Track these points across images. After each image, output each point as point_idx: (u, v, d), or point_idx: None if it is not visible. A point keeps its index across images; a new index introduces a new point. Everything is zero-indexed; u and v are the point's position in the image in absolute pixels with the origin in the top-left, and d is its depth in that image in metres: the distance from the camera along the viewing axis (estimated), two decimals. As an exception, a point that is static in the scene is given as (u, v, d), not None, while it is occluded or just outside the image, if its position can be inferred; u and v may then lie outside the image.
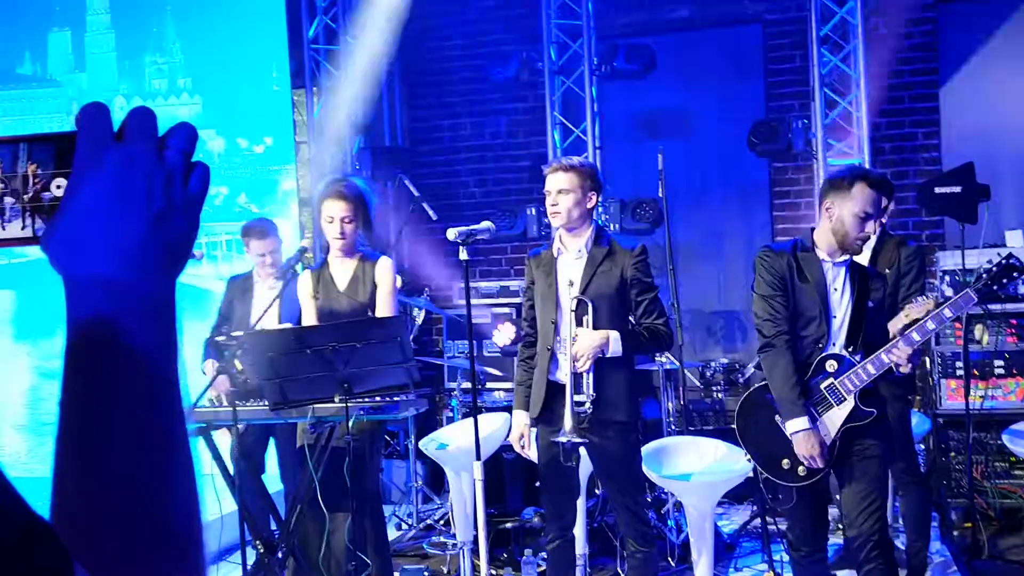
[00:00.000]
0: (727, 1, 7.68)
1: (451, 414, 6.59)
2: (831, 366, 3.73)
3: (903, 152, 7.40)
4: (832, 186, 3.78)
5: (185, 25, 7.68)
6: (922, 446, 5.83)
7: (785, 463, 3.80)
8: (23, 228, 0.82)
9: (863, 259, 4.67)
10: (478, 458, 3.91)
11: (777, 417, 3.81)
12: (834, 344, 3.76)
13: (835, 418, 3.73)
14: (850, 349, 3.73)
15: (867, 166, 6.81)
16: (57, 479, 0.72)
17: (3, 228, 0.82)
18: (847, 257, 3.81)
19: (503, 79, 7.37)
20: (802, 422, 3.68)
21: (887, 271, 4.58)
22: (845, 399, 3.71)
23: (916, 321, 3.77)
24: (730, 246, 7.79)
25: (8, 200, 0.82)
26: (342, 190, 4.33)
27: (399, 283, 7.33)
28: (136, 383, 0.75)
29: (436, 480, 6.87)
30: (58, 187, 0.80)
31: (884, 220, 4.83)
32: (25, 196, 0.82)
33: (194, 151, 0.84)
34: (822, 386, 3.75)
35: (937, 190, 5.96)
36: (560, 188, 3.99)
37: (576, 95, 7.27)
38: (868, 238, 3.79)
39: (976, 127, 7.19)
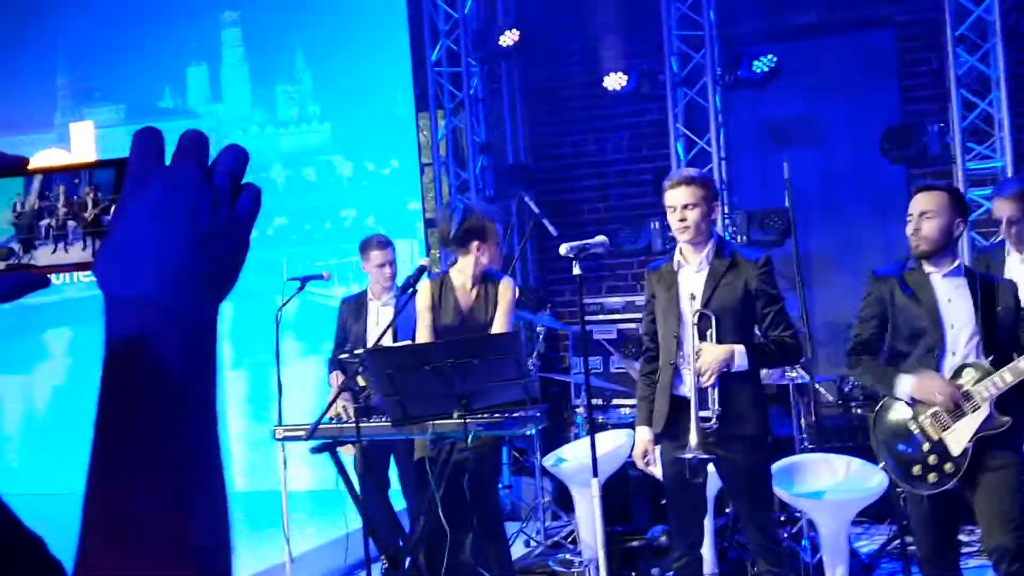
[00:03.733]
0: (856, 4, 7.44)
1: (577, 431, 6.55)
2: (968, 374, 3.65)
3: (1051, 153, 7.00)
4: None
5: (314, 55, 7.93)
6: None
7: (916, 469, 3.72)
8: (83, 250, 0.84)
9: (1022, 269, 4.48)
10: (595, 475, 3.85)
11: (912, 422, 3.73)
12: (954, 353, 3.69)
13: (969, 426, 3.63)
14: (991, 358, 3.63)
15: (1010, 169, 6.48)
16: (87, 498, 0.72)
17: (67, 251, 0.84)
18: (956, 265, 3.75)
19: (624, 92, 7.33)
20: (905, 379, 3.70)
21: None
22: (980, 407, 3.60)
23: None
24: (866, 256, 7.49)
25: (71, 224, 0.84)
26: (446, 236, 4.44)
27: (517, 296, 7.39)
28: (170, 405, 0.74)
29: (564, 497, 6.83)
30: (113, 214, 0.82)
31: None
32: (86, 219, 0.83)
33: (243, 173, 0.83)
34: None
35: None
36: (686, 203, 3.91)
37: (699, 106, 7.16)
38: (924, 237, 3.74)
39: None
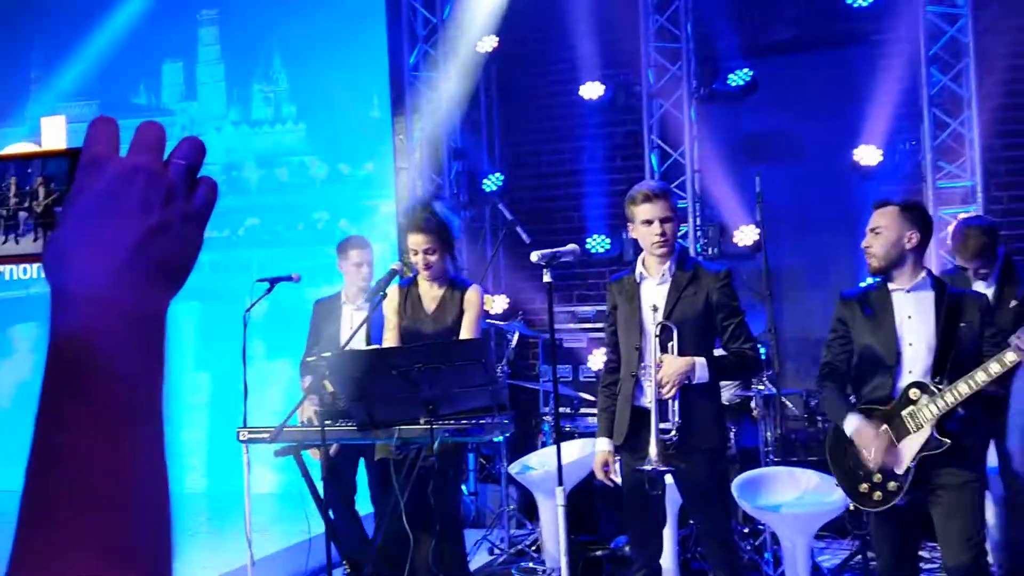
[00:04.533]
0: (832, 21, 7.49)
1: (545, 439, 6.54)
2: (914, 394, 3.67)
3: (1018, 175, 7.07)
4: None
5: (290, 55, 7.90)
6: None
7: (863, 487, 3.76)
8: (34, 241, 0.82)
9: (989, 292, 4.53)
10: (560, 483, 3.85)
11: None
12: (911, 372, 3.70)
13: (911, 445, 3.66)
14: (937, 379, 3.64)
15: (979, 188, 6.55)
16: (26, 493, 0.71)
17: (17, 242, 0.82)
18: (921, 278, 3.75)
19: (600, 102, 7.35)
20: (852, 420, 3.74)
21: (1013, 302, 4.43)
22: (923, 427, 3.62)
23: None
24: (836, 272, 7.55)
25: (22, 215, 0.82)
26: (420, 224, 4.37)
27: (505, 303, 7.35)
28: (115, 401, 0.72)
29: (530, 505, 6.82)
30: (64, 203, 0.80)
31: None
32: (37, 210, 0.82)
33: (200, 166, 0.82)
34: (903, 413, 3.68)
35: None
36: (664, 216, 3.90)
37: (674, 118, 7.19)
38: (873, 254, 3.78)
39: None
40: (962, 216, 5.47)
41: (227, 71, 8.07)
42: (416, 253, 4.40)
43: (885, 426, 3.68)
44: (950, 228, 5.32)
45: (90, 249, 0.74)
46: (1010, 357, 3.47)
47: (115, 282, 0.74)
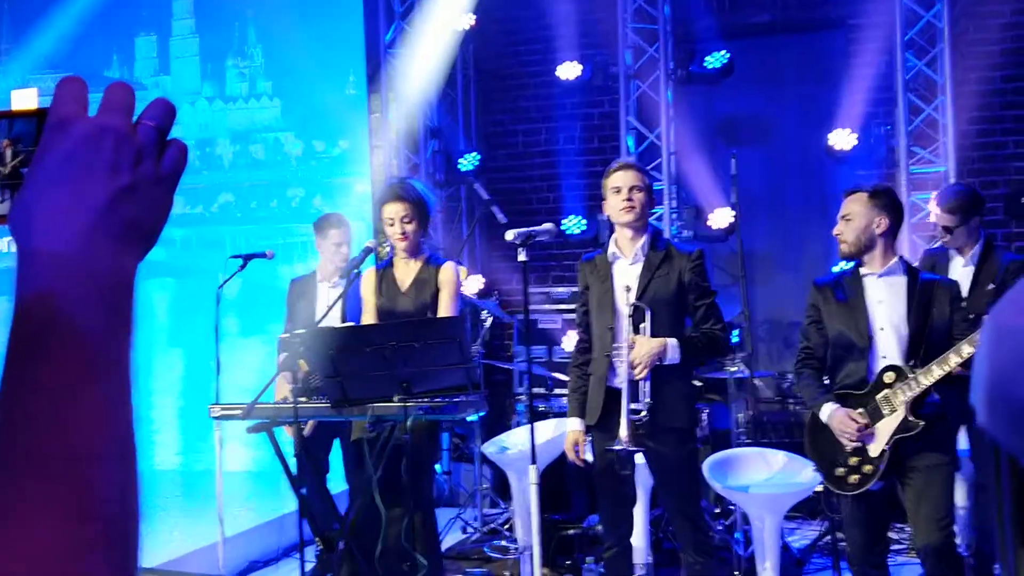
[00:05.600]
0: (810, 5, 7.51)
1: (519, 419, 6.55)
2: (888, 378, 3.71)
3: (993, 161, 7.12)
4: None
5: (266, 30, 7.83)
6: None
7: (840, 471, 3.79)
8: (1, 202, 0.81)
9: (967, 272, 4.56)
10: (533, 462, 3.86)
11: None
12: (884, 356, 3.74)
13: (885, 429, 3.70)
14: (911, 362, 3.68)
15: (952, 174, 6.59)
16: None
17: None
18: (893, 263, 3.79)
19: (577, 83, 7.33)
20: (827, 407, 3.78)
21: (991, 285, 4.47)
22: (897, 410, 3.67)
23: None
24: (810, 255, 7.60)
25: None
26: (399, 192, 4.36)
27: (480, 283, 7.34)
28: (81, 363, 0.71)
29: (503, 485, 6.84)
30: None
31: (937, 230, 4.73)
32: (4, 171, 0.81)
33: (171, 128, 0.81)
34: (877, 397, 3.72)
35: (1024, 199, 5.73)
36: (634, 184, 3.94)
37: (651, 100, 7.19)
38: (844, 240, 3.83)
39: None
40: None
41: (201, 45, 7.99)
42: (392, 223, 4.37)
43: (860, 410, 3.72)
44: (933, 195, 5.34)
45: (57, 210, 0.74)
46: (980, 337, 3.51)
47: (82, 243, 0.73)
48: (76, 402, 0.71)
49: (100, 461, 0.71)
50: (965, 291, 4.48)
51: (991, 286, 4.53)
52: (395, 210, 4.36)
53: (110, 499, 0.71)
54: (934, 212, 4.90)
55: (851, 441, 3.72)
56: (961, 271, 4.69)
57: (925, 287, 3.76)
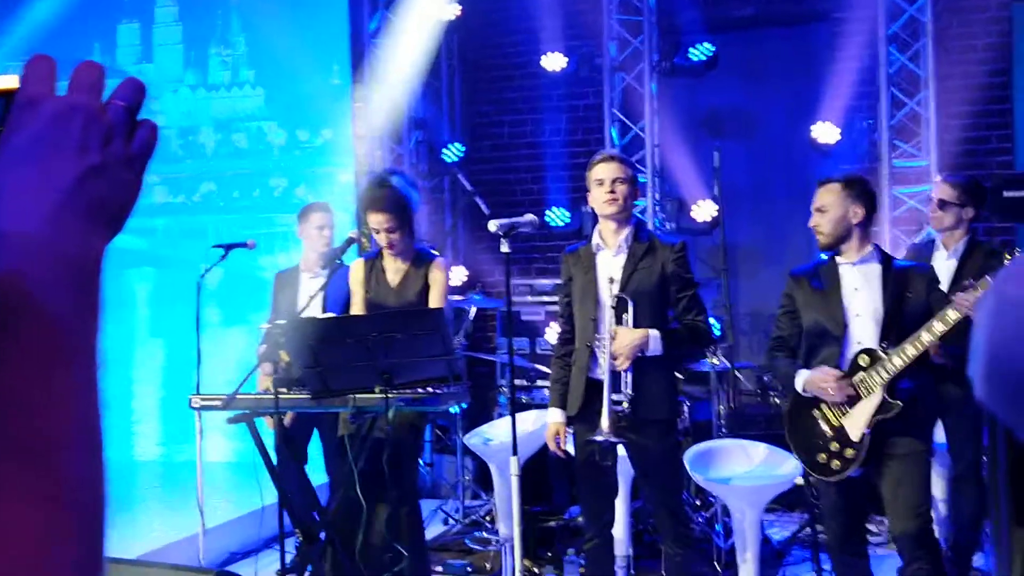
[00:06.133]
0: (794, -1, 7.52)
1: (501, 410, 6.55)
2: (863, 361, 3.73)
3: (975, 155, 7.15)
4: None
5: (249, 18, 7.77)
6: (984, 456, 5.65)
7: (822, 457, 3.81)
8: None
9: (949, 266, 4.58)
10: (514, 453, 3.86)
11: (816, 411, 3.85)
12: (860, 343, 3.77)
13: (865, 410, 3.72)
14: (884, 345, 3.70)
15: (933, 167, 6.62)
16: None
17: None
18: (868, 251, 3.82)
19: (562, 74, 7.32)
20: (802, 373, 3.81)
21: (971, 280, 4.49)
22: (874, 392, 3.69)
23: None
24: (792, 248, 7.62)
25: None
26: (380, 202, 4.31)
27: (463, 275, 7.33)
28: (45, 343, 0.70)
29: (485, 476, 6.84)
30: None
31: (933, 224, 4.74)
32: None
33: (141, 107, 0.80)
34: (854, 380, 3.74)
35: (1006, 194, 5.74)
36: (617, 177, 3.93)
37: (636, 92, 7.18)
38: (821, 232, 3.86)
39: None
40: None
41: (184, 33, 7.93)
42: (378, 232, 4.37)
43: (840, 373, 3.73)
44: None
45: (24, 190, 0.73)
46: (952, 315, 3.54)
47: (50, 224, 0.72)
48: (44, 386, 0.70)
49: (68, 447, 0.70)
50: (946, 285, 4.49)
51: (971, 281, 4.54)
52: (378, 220, 4.34)
53: (77, 486, 0.70)
54: (936, 185, 4.91)
55: (836, 393, 3.70)
56: (944, 264, 4.70)
57: (900, 273, 3.79)
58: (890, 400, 3.67)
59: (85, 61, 0.79)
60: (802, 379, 3.81)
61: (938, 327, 3.56)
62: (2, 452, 0.67)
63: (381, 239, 4.38)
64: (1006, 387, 0.75)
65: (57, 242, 0.72)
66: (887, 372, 3.66)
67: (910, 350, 3.62)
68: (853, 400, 3.73)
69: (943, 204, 4.72)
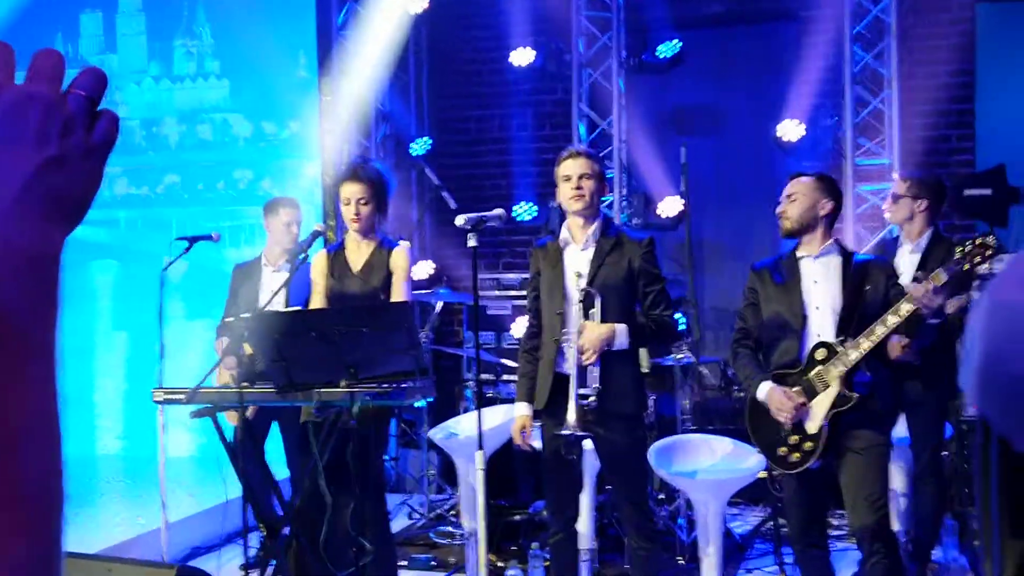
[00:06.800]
0: (761, -4, 7.57)
1: (467, 404, 6.55)
2: (820, 354, 3.78)
3: (937, 154, 7.23)
4: None
5: (215, 9, 7.70)
6: (944, 452, 5.72)
7: (782, 450, 3.85)
8: None
9: (913, 259, 4.63)
10: (480, 447, 3.86)
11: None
12: (819, 335, 3.82)
13: (821, 404, 3.77)
14: (840, 338, 3.75)
15: (896, 165, 6.69)
16: None
17: None
18: (828, 244, 3.87)
19: (530, 69, 7.32)
20: (763, 386, 3.85)
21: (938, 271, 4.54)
22: (831, 385, 3.74)
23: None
24: (756, 244, 7.67)
25: None
26: (359, 172, 4.34)
27: (430, 269, 7.32)
28: (1, 340, 0.69)
29: (450, 471, 6.84)
30: None
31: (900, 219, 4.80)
32: None
33: (101, 98, 0.79)
34: (811, 374, 3.79)
35: (966, 192, 5.83)
36: (583, 173, 3.94)
37: (603, 88, 7.20)
38: (788, 217, 3.91)
39: (1013, 130, 7.02)
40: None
41: (148, 23, 7.84)
42: (348, 203, 4.35)
43: (798, 387, 3.78)
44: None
45: None
46: (905, 307, 3.61)
47: (6, 217, 0.71)
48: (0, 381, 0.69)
49: (24, 442, 0.69)
50: (910, 276, 4.55)
51: (922, 273, 4.58)
52: (352, 190, 4.33)
53: (34, 481, 0.69)
54: (897, 182, 5.00)
55: (788, 420, 3.77)
56: (908, 257, 4.77)
57: (859, 267, 3.84)
58: (848, 393, 3.72)
59: (44, 49, 0.78)
60: (763, 392, 3.86)
61: (891, 320, 3.63)
62: None
63: (349, 211, 4.34)
64: (1000, 393, 0.75)
65: (14, 236, 0.71)
66: (844, 365, 3.71)
67: (864, 343, 3.68)
68: (810, 394, 3.78)
69: (896, 197, 4.83)
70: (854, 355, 3.69)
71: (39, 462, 0.70)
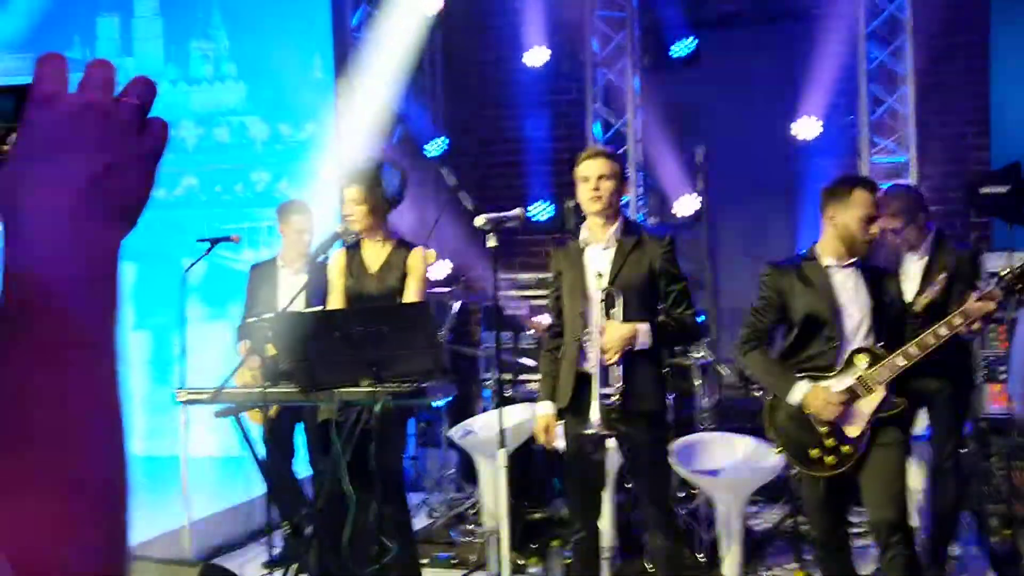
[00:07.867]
0: (775, -5, 7.57)
1: (485, 404, 6.57)
2: (861, 359, 3.78)
3: (952, 151, 7.23)
4: (832, 195, 3.89)
5: (231, 11, 7.73)
6: (964, 448, 5.72)
7: (814, 453, 3.83)
8: None
9: (920, 265, 4.64)
10: (502, 445, 3.88)
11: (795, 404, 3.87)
12: (852, 343, 3.82)
13: (865, 407, 3.76)
14: (880, 344, 3.77)
15: (913, 164, 6.69)
16: None
17: None
18: (855, 259, 3.87)
19: (544, 70, 7.34)
20: (802, 386, 3.79)
21: (942, 275, 4.55)
22: (875, 391, 3.74)
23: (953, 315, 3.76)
24: (774, 243, 7.67)
25: None
26: (352, 174, 4.43)
27: (447, 269, 7.34)
28: (65, 337, 0.72)
29: (469, 470, 6.85)
30: (14, 141, 0.79)
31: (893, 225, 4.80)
32: None
33: (152, 104, 0.82)
34: (853, 379, 3.78)
35: (982, 190, 5.84)
36: (601, 174, 3.95)
37: (618, 87, 7.21)
38: (873, 239, 3.88)
39: (1028, 126, 7.01)
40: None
41: (165, 26, 7.88)
42: (346, 204, 4.41)
43: (846, 385, 3.77)
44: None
45: (43, 186, 0.74)
46: (958, 320, 3.66)
47: (68, 219, 0.74)
48: (63, 378, 0.72)
49: (89, 438, 0.72)
50: (918, 282, 4.59)
51: (943, 275, 4.59)
52: (347, 193, 4.41)
53: (99, 476, 0.72)
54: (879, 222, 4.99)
55: (829, 420, 3.75)
56: (914, 264, 4.77)
57: (876, 277, 3.89)
58: (894, 400, 3.74)
59: (97, 59, 0.80)
60: (801, 393, 3.82)
61: (943, 331, 3.69)
62: (25, 445, 0.69)
63: (344, 210, 4.42)
64: None
65: (76, 238, 0.74)
66: (890, 371, 3.73)
67: (913, 351, 3.71)
68: (852, 396, 3.77)
69: (895, 231, 4.79)
70: (902, 361, 3.72)
71: (107, 454, 0.73)
